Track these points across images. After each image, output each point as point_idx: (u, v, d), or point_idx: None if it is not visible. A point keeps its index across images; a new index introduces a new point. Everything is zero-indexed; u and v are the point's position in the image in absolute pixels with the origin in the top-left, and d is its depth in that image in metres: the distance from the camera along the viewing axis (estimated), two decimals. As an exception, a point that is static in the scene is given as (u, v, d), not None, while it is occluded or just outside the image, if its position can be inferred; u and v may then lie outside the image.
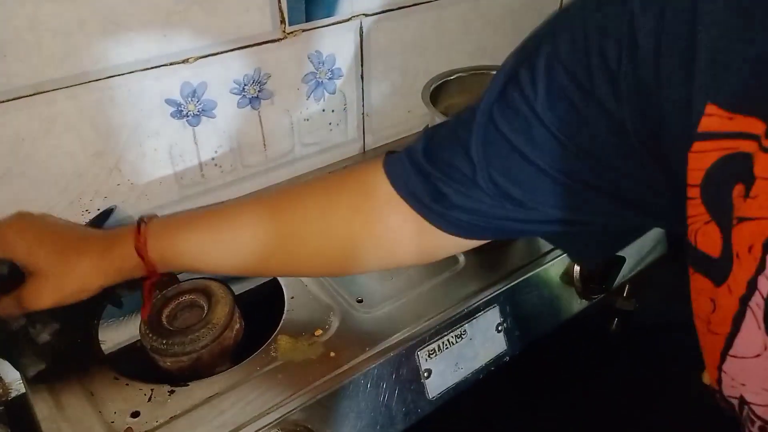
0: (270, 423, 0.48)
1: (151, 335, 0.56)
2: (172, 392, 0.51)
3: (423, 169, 0.42)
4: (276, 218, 0.47)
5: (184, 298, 0.60)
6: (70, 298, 0.48)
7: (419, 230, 0.44)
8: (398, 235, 0.45)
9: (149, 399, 0.50)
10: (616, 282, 0.69)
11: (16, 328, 0.50)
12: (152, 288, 0.52)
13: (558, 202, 0.38)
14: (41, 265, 0.47)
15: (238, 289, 0.67)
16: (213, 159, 0.70)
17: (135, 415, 0.49)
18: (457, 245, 0.45)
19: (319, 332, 0.56)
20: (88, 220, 0.64)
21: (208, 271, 0.52)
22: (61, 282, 0.47)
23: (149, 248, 0.48)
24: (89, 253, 0.48)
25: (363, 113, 0.81)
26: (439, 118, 0.71)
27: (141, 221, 0.49)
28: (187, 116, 0.66)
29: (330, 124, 0.78)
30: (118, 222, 0.67)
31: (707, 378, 0.74)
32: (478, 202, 0.40)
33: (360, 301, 0.59)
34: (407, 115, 0.86)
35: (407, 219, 0.44)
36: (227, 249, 0.48)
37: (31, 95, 0.56)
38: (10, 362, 0.52)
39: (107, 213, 0.65)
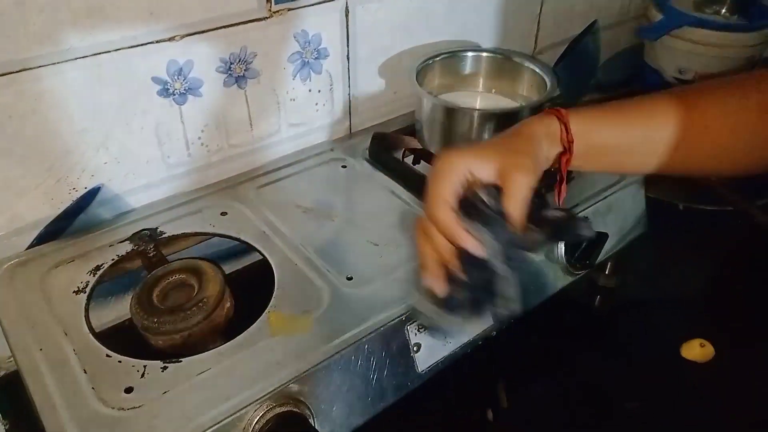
0: (263, 396, 0.48)
1: (142, 314, 0.56)
2: (164, 368, 0.51)
3: None
4: (691, 112, 0.49)
5: (174, 277, 0.60)
6: (537, 167, 0.48)
7: None
8: None
9: (142, 375, 0.50)
10: (598, 258, 0.71)
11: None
12: (567, 166, 0.51)
13: None
14: (499, 162, 0.46)
15: (228, 268, 0.67)
16: (199, 138, 0.70)
17: (128, 390, 0.49)
18: None
19: (309, 309, 0.56)
20: (74, 199, 0.64)
21: (619, 166, 0.58)
22: (523, 158, 0.47)
23: (572, 124, 0.49)
24: (522, 137, 0.49)
25: (349, 94, 0.81)
26: (426, 99, 0.72)
27: (548, 108, 0.51)
28: (174, 94, 0.66)
29: (316, 104, 0.79)
30: (104, 201, 0.66)
31: (686, 353, 0.76)
32: None
33: (350, 279, 0.60)
34: (393, 96, 0.86)
35: None
36: (644, 141, 0.51)
37: (17, 71, 0.55)
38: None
39: (94, 192, 0.65)
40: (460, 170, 0.46)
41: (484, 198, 0.45)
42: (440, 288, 0.45)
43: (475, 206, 0.45)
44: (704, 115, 0.50)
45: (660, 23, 1.04)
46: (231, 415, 0.47)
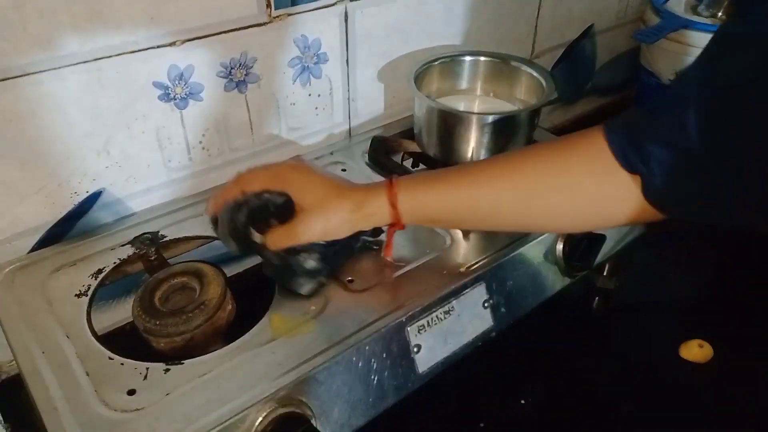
0: (265, 397, 0.48)
1: (144, 316, 0.56)
2: (167, 370, 0.51)
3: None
4: (515, 174, 0.53)
5: (176, 280, 0.60)
6: (330, 235, 0.55)
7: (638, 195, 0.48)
8: (622, 196, 0.49)
9: (144, 377, 0.51)
10: (596, 260, 0.71)
11: (285, 260, 0.56)
12: (393, 233, 0.61)
13: None
14: (310, 202, 0.54)
15: (229, 271, 0.67)
16: (200, 142, 0.71)
17: (131, 393, 0.49)
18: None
19: (310, 311, 0.57)
20: (76, 203, 0.64)
21: (451, 226, 0.64)
22: (326, 220, 0.54)
23: (399, 201, 0.54)
24: (349, 199, 0.54)
25: (348, 98, 0.82)
26: (424, 103, 0.72)
27: (391, 178, 0.56)
28: (175, 99, 0.66)
29: (316, 108, 0.79)
30: (105, 205, 0.67)
31: (685, 353, 0.76)
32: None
33: (350, 281, 0.60)
34: (392, 100, 0.87)
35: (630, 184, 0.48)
36: (471, 204, 0.54)
37: (17, 76, 0.56)
38: (285, 285, 0.58)
39: (95, 196, 0.65)
40: (281, 178, 0.55)
41: (259, 202, 0.56)
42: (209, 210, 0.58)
43: (247, 201, 0.56)
44: (531, 181, 0.52)
45: (657, 27, 1.05)
46: (233, 417, 0.47)
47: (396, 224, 0.55)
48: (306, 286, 0.58)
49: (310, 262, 0.56)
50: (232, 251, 0.57)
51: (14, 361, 0.54)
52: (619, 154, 0.47)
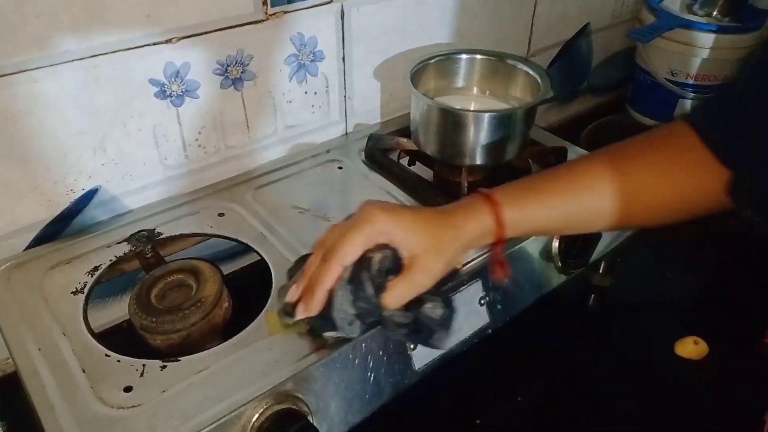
0: (261, 394, 0.48)
1: (140, 314, 0.56)
2: (163, 367, 0.51)
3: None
4: (623, 179, 0.52)
5: (172, 277, 0.60)
6: (444, 272, 0.51)
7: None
8: (707, 189, 0.51)
9: (141, 374, 0.51)
10: (592, 257, 0.71)
11: (413, 316, 0.50)
12: (501, 250, 0.55)
13: None
14: (419, 244, 0.49)
15: (226, 269, 0.68)
16: (196, 140, 0.71)
17: (127, 389, 0.49)
18: None
19: (307, 308, 0.57)
20: (72, 201, 0.64)
21: (552, 234, 0.63)
22: (442, 256, 0.50)
23: (505, 217, 0.51)
24: (453, 227, 0.51)
25: (345, 96, 0.82)
26: (421, 101, 0.72)
27: (486, 193, 0.52)
28: (171, 96, 0.66)
29: (312, 106, 0.79)
30: (101, 203, 0.67)
31: (680, 350, 0.77)
32: None
33: (346, 278, 0.60)
34: (389, 98, 0.87)
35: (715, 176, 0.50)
36: (578, 211, 0.54)
37: (14, 73, 0.55)
38: (425, 344, 0.53)
39: (91, 193, 0.65)
40: (378, 232, 0.49)
41: (376, 266, 0.49)
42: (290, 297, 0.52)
43: (361, 270, 0.49)
44: (635, 181, 0.53)
45: (652, 26, 1.05)
46: (230, 413, 0.47)
47: (500, 240, 0.53)
48: (445, 340, 0.52)
49: (438, 311, 0.51)
50: (355, 335, 0.52)
51: (10, 359, 0.54)
52: (717, 148, 0.49)
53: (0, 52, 0.54)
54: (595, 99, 1.23)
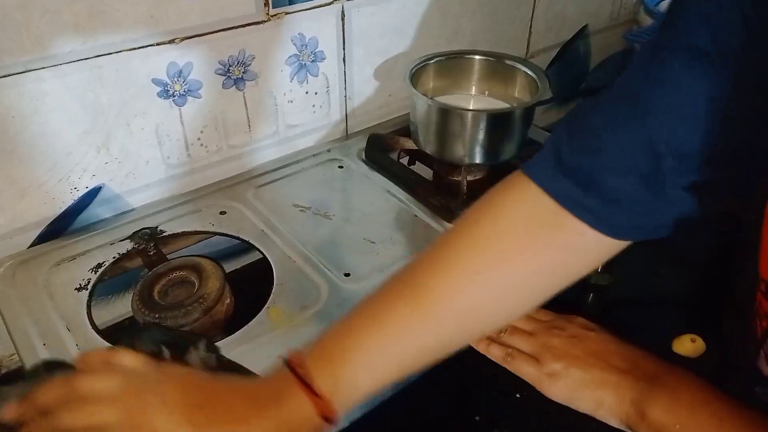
0: (264, 388, 0.49)
1: (143, 310, 0.57)
2: (166, 361, 0.52)
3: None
4: (434, 306, 0.42)
5: (175, 274, 0.61)
6: None
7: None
8: (580, 247, 0.43)
9: (144, 368, 0.51)
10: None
11: None
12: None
13: None
14: None
15: (228, 267, 0.68)
16: (199, 139, 0.71)
17: (131, 383, 0.50)
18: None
19: (308, 304, 0.57)
20: (76, 199, 0.65)
21: (389, 383, 0.43)
22: None
23: (333, 398, 0.39)
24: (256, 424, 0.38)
25: (345, 96, 0.83)
26: (421, 101, 0.73)
27: (288, 364, 0.40)
28: (174, 96, 0.67)
29: (313, 106, 0.80)
30: (104, 201, 0.68)
31: (678, 347, 0.77)
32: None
33: (347, 275, 0.61)
34: (388, 99, 0.87)
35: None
36: (401, 355, 0.42)
37: (20, 73, 0.56)
38: None
39: (95, 191, 0.66)
40: None
41: None
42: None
43: None
44: (480, 289, 0.43)
45: (649, 28, 1.06)
46: None
47: (332, 422, 0.40)
48: None
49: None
50: None
51: (15, 355, 0.55)
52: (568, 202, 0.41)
53: (6, 52, 0.55)
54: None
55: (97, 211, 0.67)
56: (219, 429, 0.37)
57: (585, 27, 1.11)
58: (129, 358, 0.42)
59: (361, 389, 0.41)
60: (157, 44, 0.63)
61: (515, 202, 0.44)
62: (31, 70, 0.57)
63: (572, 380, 0.50)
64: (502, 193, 0.45)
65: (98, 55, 0.60)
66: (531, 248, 0.43)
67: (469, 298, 0.43)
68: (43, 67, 0.57)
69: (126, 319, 0.66)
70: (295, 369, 0.40)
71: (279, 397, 0.39)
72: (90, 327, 0.55)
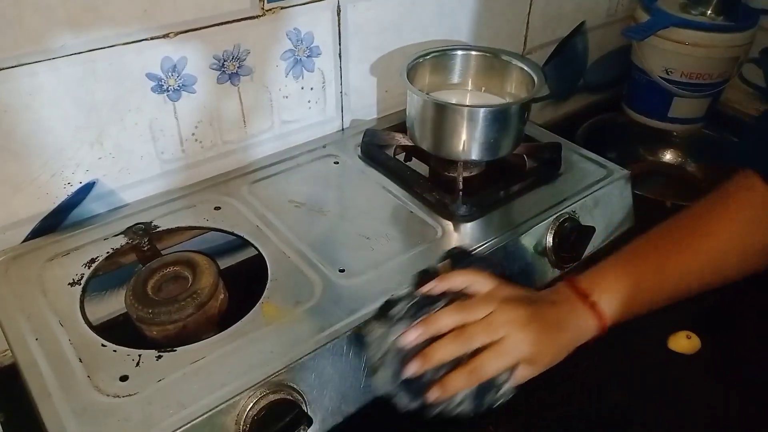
0: (256, 383, 0.49)
1: (136, 305, 0.57)
2: (159, 357, 0.52)
3: None
4: (706, 238, 0.56)
5: (168, 269, 0.61)
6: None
7: None
8: None
9: (137, 364, 0.51)
10: (586, 252, 0.72)
11: None
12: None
13: None
14: (536, 355, 0.53)
15: (222, 264, 0.68)
16: (193, 134, 0.71)
17: (123, 379, 0.50)
18: None
19: (302, 300, 0.57)
20: (69, 194, 0.65)
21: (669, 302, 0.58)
22: (546, 360, 0.54)
23: (606, 315, 0.54)
24: (562, 333, 0.54)
25: (341, 92, 0.83)
26: (416, 97, 0.73)
27: (579, 287, 0.55)
28: (168, 91, 0.67)
29: (309, 102, 0.80)
30: (98, 196, 0.67)
31: (673, 345, 0.77)
32: None
33: (342, 271, 0.61)
34: (385, 95, 0.87)
35: None
36: (677, 286, 0.57)
37: (12, 67, 0.56)
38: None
39: (89, 187, 0.66)
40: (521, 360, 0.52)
41: None
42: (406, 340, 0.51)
43: None
44: (719, 248, 0.56)
45: (647, 24, 1.06)
46: (224, 402, 0.48)
47: (604, 331, 0.55)
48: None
49: None
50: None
51: (8, 351, 0.54)
52: None
53: (10, 52, 0.55)
54: (590, 97, 1.24)
55: (90, 206, 0.67)
56: (551, 336, 0.53)
57: (582, 23, 1.11)
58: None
59: (624, 312, 0.55)
60: (151, 39, 0.63)
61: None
62: (24, 65, 0.57)
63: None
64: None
65: (91, 50, 0.60)
66: None
67: (718, 243, 0.56)
68: (36, 62, 0.57)
69: (120, 315, 0.66)
70: (579, 291, 0.55)
71: (574, 312, 0.54)
72: (83, 322, 0.55)
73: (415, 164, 0.81)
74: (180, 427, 0.46)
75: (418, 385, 0.50)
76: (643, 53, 1.10)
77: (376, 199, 0.72)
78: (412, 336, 0.50)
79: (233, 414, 0.48)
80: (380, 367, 0.51)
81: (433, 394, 0.50)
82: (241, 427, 0.48)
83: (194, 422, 0.47)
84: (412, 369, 0.50)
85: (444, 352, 0.50)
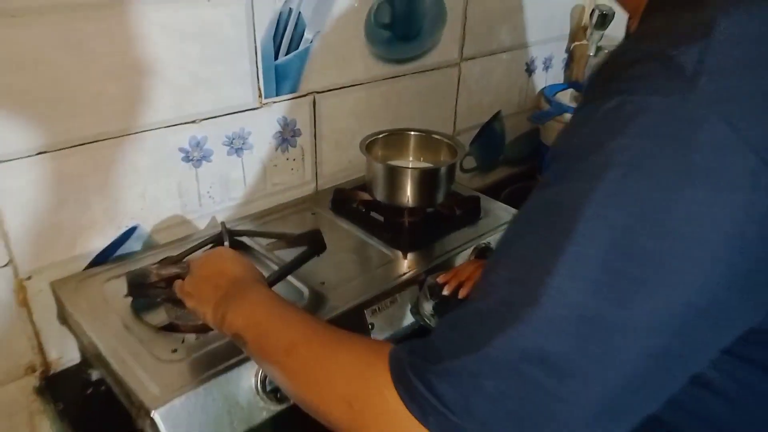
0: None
1: (172, 309, 0.78)
2: (197, 337, 0.73)
3: None
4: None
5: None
6: None
7: None
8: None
9: (182, 341, 0.73)
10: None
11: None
12: None
13: None
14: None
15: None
16: (208, 192, 0.95)
17: (174, 351, 0.71)
18: None
19: (294, 302, 0.80)
20: (118, 235, 0.88)
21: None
22: None
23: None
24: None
25: (316, 162, 1.09)
26: (373, 164, 1.00)
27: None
28: (192, 160, 0.92)
29: (292, 169, 1.06)
30: (138, 237, 0.90)
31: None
32: None
33: (322, 283, 0.84)
34: (348, 164, 1.14)
35: None
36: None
37: (90, 143, 0.80)
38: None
39: (132, 230, 0.89)
40: None
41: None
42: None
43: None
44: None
45: (547, 112, 1.38)
46: (247, 361, 0.69)
47: None
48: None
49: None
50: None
51: (62, 358, 0.75)
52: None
53: (79, 128, 0.79)
54: (510, 169, 1.53)
55: (132, 245, 0.90)
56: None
57: (499, 112, 1.41)
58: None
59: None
60: (183, 123, 0.89)
61: None
62: (99, 140, 0.81)
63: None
64: None
65: (141, 131, 0.85)
66: None
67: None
68: (106, 138, 0.82)
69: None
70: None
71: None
72: (138, 319, 0.76)
73: (374, 214, 1.06)
74: (214, 377, 0.67)
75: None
76: (548, 133, 1.41)
77: (345, 239, 0.96)
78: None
79: (252, 371, 0.70)
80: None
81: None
82: (259, 378, 0.70)
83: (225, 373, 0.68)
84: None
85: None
